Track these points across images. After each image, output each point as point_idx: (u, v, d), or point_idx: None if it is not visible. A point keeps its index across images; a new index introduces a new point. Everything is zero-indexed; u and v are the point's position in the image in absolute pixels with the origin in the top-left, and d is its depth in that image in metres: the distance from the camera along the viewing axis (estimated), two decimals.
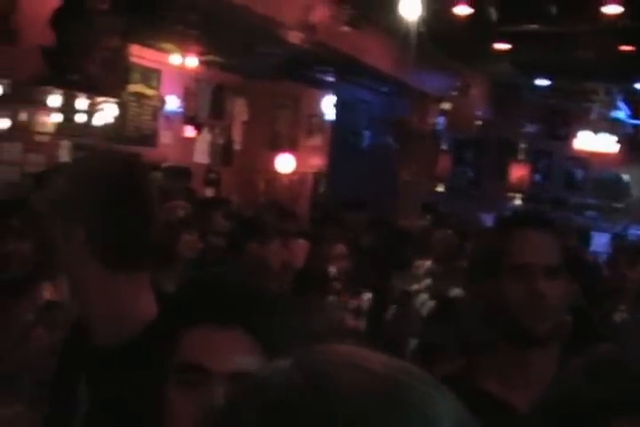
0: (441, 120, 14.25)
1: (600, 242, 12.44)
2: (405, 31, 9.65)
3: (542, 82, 14.66)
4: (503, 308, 1.98)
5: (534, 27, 10.80)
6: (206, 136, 14.77)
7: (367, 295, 5.60)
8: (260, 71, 14.04)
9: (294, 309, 1.57)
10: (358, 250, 7.47)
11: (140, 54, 12.44)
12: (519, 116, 15.92)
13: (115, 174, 1.72)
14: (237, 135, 15.50)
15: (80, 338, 1.75)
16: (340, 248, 5.97)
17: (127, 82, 12.10)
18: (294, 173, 15.83)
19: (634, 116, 15.43)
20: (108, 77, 10.35)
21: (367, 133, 14.27)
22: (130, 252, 1.71)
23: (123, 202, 1.70)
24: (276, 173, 15.78)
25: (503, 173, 16.26)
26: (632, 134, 15.73)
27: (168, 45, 12.43)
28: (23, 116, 11.17)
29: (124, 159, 1.80)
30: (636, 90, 14.31)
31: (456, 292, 5.96)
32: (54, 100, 10.92)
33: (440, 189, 14.94)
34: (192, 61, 12.87)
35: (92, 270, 1.67)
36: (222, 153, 15.21)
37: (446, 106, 13.94)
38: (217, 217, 9.59)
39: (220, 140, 15.15)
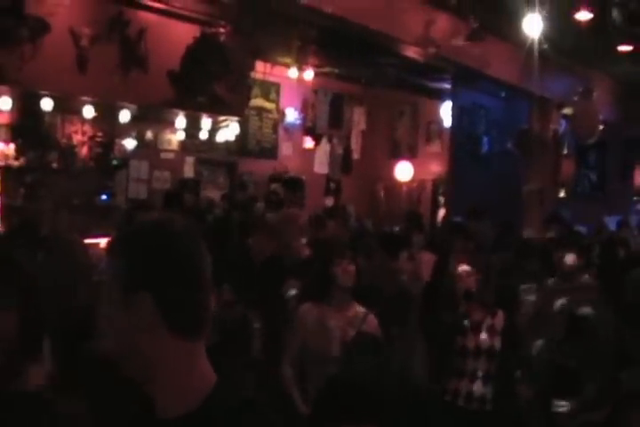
0: (563, 125, 13.99)
1: None
2: (527, 40, 9.55)
3: None
4: None
5: None
6: (325, 146, 14.90)
7: (501, 313, 5.52)
8: (378, 80, 14.08)
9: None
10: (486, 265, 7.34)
11: (259, 69, 12.66)
12: None
13: (181, 242, 1.72)
14: (356, 144, 15.57)
15: (143, 410, 1.74)
16: (467, 266, 5.88)
17: (250, 99, 12.32)
18: (413, 180, 15.81)
19: None
20: (233, 97, 10.58)
21: (486, 139, 14.11)
22: (196, 320, 1.71)
23: (190, 269, 1.70)
24: (395, 181, 15.79)
25: (628, 175, 15.83)
26: None
27: (286, 59, 12.59)
28: (150, 136, 11.54)
29: (185, 228, 1.79)
30: None
31: (585, 310, 5.84)
32: (180, 120, 11.25)
33: (563, 194, 14.65)
34: (309, 74, 13.03)
35: (159, 339, 1.66)
36: (341, 162, 15.30)
37: (568, 110, 13.68)
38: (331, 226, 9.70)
39: (339, 150, 15.25)
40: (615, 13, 10.01)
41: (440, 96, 15.01)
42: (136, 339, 1.66)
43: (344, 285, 4.92)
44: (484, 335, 5.33)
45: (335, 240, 6.02)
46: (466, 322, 5.38)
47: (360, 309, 5.00)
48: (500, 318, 5.39)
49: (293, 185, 13.52)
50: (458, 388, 5.27)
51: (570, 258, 6.16)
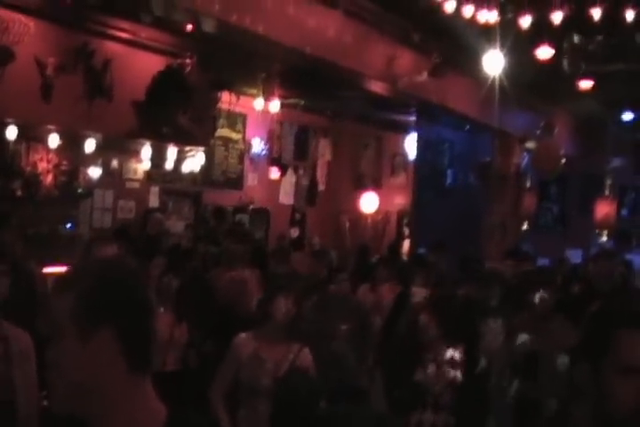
0: (525, 159, 14.19)
1: None
2: (488, 76, 9.73)
3: (627, 116, 14.47)
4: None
5: (618, 66, 10.74)
6: (291, 177, 14.96)
7: (461, 346, 5.57)
8: (343, 113, 14.22)
9: None
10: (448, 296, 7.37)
11: (225, 100, 12.74)
12: (604, 152, 15.72)
13: (133, 278, 1.77)
14: (321, 176, 15.66)
15: None
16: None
17: (215, 130, 12.39)
18: (378, 212, 15.91)
19: None
20: (198, 128, 10.64)
21: (450, 172, 14.28)
22: (149, 353, 1.74)
23: (143, 303, 1.74)
24: (360, 212, 15.88)
25: (589, 208, 16.04)
26: None
27: (252, 91, 12.69)
28: (115, 165, 11.53)
29: (133, 265, 1.83)
30: None
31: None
32: (145, 150, 11.28)
33: (525, 227, 14.81)
34: (275, 105, 13.12)
35: (117, 373, 1.67)
36: (307, 194, 15.37)
37: (530, 145, 13.89)
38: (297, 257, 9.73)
39: (305, 181, 15.32)
40: (574, 52, 10.24)
41: (404, 129, 15.19)
42: (94, 375, 1.66)
43: (279, 321, 5.01)
44: (445, 367, 5.39)
45: (283, 276, 6.07)
46: (427, 354, 5.44)
47: (295, 344, 5.07)
48: (460, 351, 5.45)
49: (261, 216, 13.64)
50: (421, 420, 5.31)
51: (542, 296, 6.23)
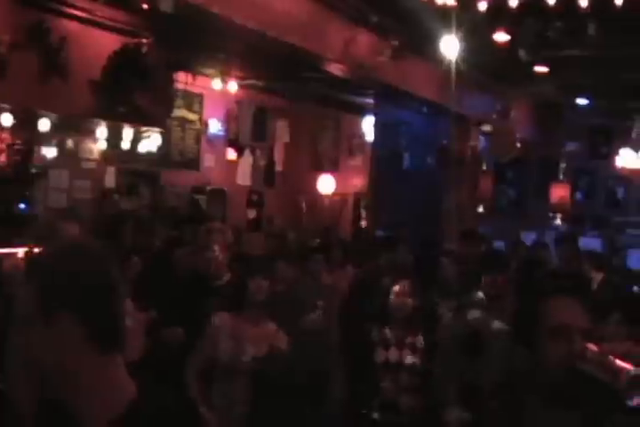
0: (482, 142, 14.29)
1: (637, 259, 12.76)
2: (447, 58, 9.77)
3: (583, 101, 14.63)
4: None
5: (575, 51, 10.84)
6: (248, 158, 14.90)
7: (421, 330, 5.62)
8: (301, 94, 14.19)
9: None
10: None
11: (182, 80, 12.64)
12: (561, 136, 15.91)
13: (96, 262, 1.80)
14: (279, 157, 15.62)
15: (62, 419, 1.79)
16: (403, 283, 5.90)
17: (172, 110, 12.29)
18: (335, 193, 15.95)
19: None
20: (155, 108, 10.55)
21: (408, 154, 14.32)
22: (115, 335, 1.78)
23: (106, 286, 1.77)
24: (317, 193, 15.90)
25: (545, 192, 16.25)
26: None
27: (210, 71, 12.61)
28: (70, 145, 11.40)
29: (97, 247, 1.86)
30: None
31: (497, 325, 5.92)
32: (101, 130, 11.16)
33: (482, 210, 14.95)
34: (233, 85, 13.07)
35: (82, 355, 1.73)
36: (264, 175, 15.33)
37: (487, 128, 13.99)
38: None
39: (263, 162, 15.27)
40: (532, 36, 10.30)
41: (363, 111, 15.21)
42: (60, 357, 1.72)
43: (256, 299, 5.03)
44: (406, 351, 5.44)
45: (253, 255, 6.10)
46: (389, 337, 5.48)
47: (272, 325, 5.10)
48: (420, 335, 5.51)
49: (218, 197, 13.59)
50: (383, 401, 5.36)
51: (496, 279, 6.28)
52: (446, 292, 7.16)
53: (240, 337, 4.98)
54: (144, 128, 11.58)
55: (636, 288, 8.72)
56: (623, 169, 15.75)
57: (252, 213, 14.96)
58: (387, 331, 5.51)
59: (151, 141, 12.06)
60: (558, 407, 2.28)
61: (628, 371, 2.13)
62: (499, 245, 11.39)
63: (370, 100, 13.82)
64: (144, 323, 6.15)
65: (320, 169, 16.06)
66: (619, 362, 2.17)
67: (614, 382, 2.14)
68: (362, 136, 15.61)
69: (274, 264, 6.17)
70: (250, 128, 14.90)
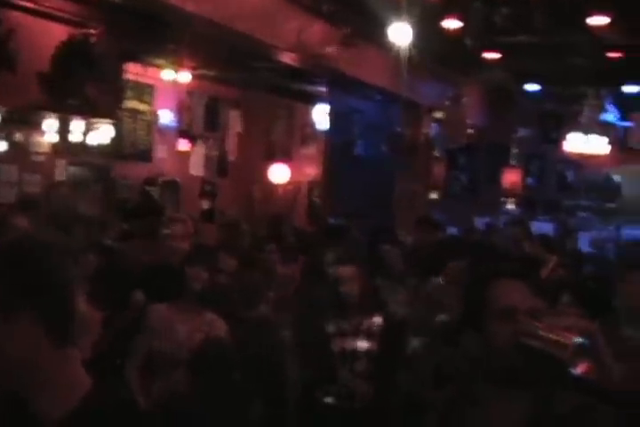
0: (435, 129, 14.36)
1: (587, 241, 13.08)
2: (398, 45, 9.78)
3: (534, 87, 14.77)
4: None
5: (524, 38, 10.92)
6: (201, 149, 14.83)
7: (378, 317, 5.63)
8: (253, 84, 14.13)
9: None
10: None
11: (133, 71, 12.52)
12: (512, 122, 16.06)
13: (52, 258, 1.80)
14: (232, 147, 15.56)
15: (19, 414, 1.81)
16: (350, 270, 5.91)
17: (123, 101, 12.17)
18: (289, 182, 15.93)
19: (623, 119, 15.58)
20: (105, 100, 10.43)
21: (361, 143, 14.33)
22: (70, 328, 1.80)
23: (60, 281, 1.78)
24: (271, 183, 15.87)
25: (497, 177, 16.41)
26: (622, 136, 15.86)
27: (161, 61, 12.50)
28: (19, 138, 11.23)
29: (49, 241, 1.87)
30: (625, 93, 14.47)
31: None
32: (51, 122, 11.01)
33: (435, 196, 15.06)
34: (185, 76, 12.97)
35: (40, 349, 1.74)
36: (217, 165, 15.27)
37: (439, 115, 14.06)
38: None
39: (215, 153, 15.20)
40: (481, 23, 10.37)
41: (315, 100, 15.18)
42: (19, 353, 1.73)
43: (193, 288, 5.03)
44: (362, 338, 5.45)
45: (197, 247, 6.05)
46: (345, 325, 5.49)
47: (210, 314, 5.09)
48: (375, 321, 5.52)
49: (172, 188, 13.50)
50: (339, 389, 5.37)
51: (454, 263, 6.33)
52: (389, 277, 7.21)
53: (175, 328, 4.97)
54: (94, 120, 11.45)
55: (586, 269, 8.85)
56: (572, 153, 15.93)
57: (205, 204, 14.89)
58: (340, 319, 5.52)
59: (102, 133, 11.93)
60: (512, 388, 2.32)
61: (573, 341, 2.19)
62: (452, 231, 11.47)
63: (322, 89, 13.81)
64: (99, 320, 6.09)
65: (273, 158, 16.02)
66: (564, 333, 2.22)
67: (561, 354, 2.19)
68: (315, 125, 15.59)
69: (215, 255, 6.14)
70: (202, 118, 14.82)
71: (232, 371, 4.52)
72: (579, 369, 2.87)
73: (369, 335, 5.47)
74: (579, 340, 2.21)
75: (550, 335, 2.20)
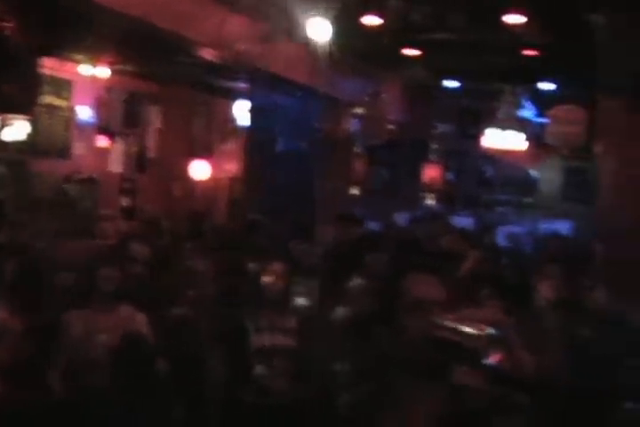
0: (355, 125, 14.44)
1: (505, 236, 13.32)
2: (317, 41, 9.81)
3: (453, 84, 14.97)
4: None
5: (443, 35, 11.05)
6: (120, 145, 14.64)
7: (293, 313, 5.65)
8: (173, 79, 14.01)
9: None
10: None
11: (49, 65, 12.28)
12: (431, 118, 16.25)
13: None
14: (152, 143, 15.40)
15: None
16: (278, 266, 5.89)
17: (39, 97, 11.93)
18: (210, 179, 15.83)
19: (539, 115, 15.88)
20: (21, 95, 10.22)
21: (282, 139, 14.34)
22: None
23: None
24: (191, 179, 15.76)
25: (417, 173, 16.58)
26: (538, 132, 16.17)
27: (79, 56, 12.30)
28: None
29: None
30: (540, 90, 14.76)
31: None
32: None
33: (356, 191, 15.15)
34: (103, 71, 12.79)
35: None
36: (137, 161, 15.09)
37: (359, 111, 14.14)
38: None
39: (135, 149, 15.03)
40: (400, 20, 10.46)
41: (236, 96, 15.12)
42: None
43: (105, 290, 4.99)
44: (279, 334, 5.46)
45: (108, 247, 6.00)
46: (264, 322, 5.49)
47: (126, 308, 5.05)
48: (292, 317, 5.54)
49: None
50: (258, 387, 5.36)
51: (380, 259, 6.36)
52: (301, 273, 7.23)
53: (92, 330, 4.92)
54: (9, 116, 11.21)
55: (504, 263, 9.00)
56: (491, 149, 16.17)
57: (125, 201, 14.72)
58: (259, 315, 5.52)
59: (17, 129, 11.68)
60: (425, 380, 2.34)
61: (484, 332, 2.24)
62: (372, 226, 11.56)
63: (243, 84, 13.76)
64: (21, 325, 5.97)
65: (194, 155, 15.91)
66: (475, 325, 2.26)
67: (472, 345, 2.23)
68: (235, 121, 15.53)
69: (126, 247, 6.09)
70: (121, 114, 14.63)
71: (151, 364, 4.49)
72: (491, 359, 2.94)
73: (286, 332, 5.48)
74: (489, 331, 2.25)
75: (461, 327, 2.23)
